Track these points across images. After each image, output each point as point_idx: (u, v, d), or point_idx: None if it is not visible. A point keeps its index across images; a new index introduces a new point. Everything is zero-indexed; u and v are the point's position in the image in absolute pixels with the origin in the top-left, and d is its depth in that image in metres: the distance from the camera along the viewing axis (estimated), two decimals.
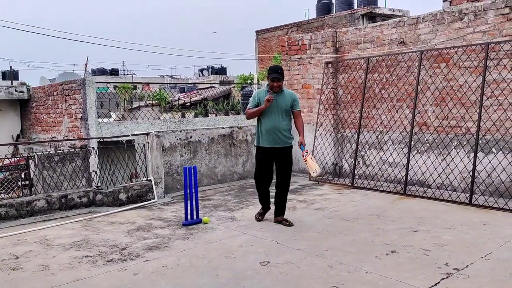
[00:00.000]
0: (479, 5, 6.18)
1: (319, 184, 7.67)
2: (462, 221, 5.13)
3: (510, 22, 5.88)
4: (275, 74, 5.03)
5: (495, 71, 6.04)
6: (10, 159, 7.23)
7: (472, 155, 6.16)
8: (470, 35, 6.30)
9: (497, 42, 5.96)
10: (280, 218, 5.25)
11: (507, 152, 5.96)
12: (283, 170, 5.22)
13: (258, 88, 11.73)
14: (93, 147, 7.33)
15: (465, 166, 6.34)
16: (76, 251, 4.48)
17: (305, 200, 6.50)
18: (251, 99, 5.26)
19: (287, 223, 5.17)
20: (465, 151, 6.40)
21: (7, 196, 6.41)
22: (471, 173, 6.05)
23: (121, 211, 6.07)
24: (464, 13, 6.34)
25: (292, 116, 5.27)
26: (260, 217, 5.43)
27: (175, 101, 12.83)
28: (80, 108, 8.23)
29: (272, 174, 5.30)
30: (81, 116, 8.15)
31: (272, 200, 5.42)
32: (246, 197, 6.77)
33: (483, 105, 6.08)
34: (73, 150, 7.42)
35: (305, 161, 5.15)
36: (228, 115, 12.97)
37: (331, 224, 5.20)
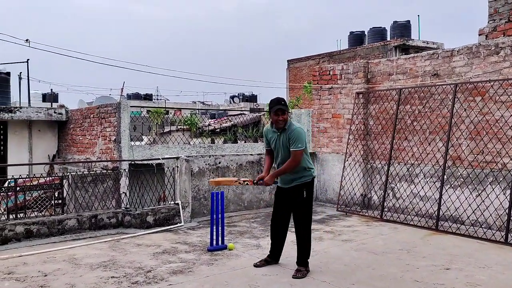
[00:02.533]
0: None
1: (347, 215, 7.53)
2: (497, 260, 4.90)
3: None
4: (279, 106, 4.44)
5: None
6: (45, 178, 7.48)
7: (508, 192, 5.93)
8: (506, 69, 6.17)
9: None
10: (297, 267, 4.50)
11: None
12: (295, 214, 4.57)
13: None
14: (124, 169, 7.50)
15: (501, 203, 6.09)
16: (102, 271, 4.54)
17: (332, 231, 6.38)
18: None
19: (295, 275, 4.38)
20: (501, 187, 6.16)
21: (40, 214, 6.60)
22: (507, 211, 5.80)
23: (148, 233, 6.13)
24: (501, 47, 6.24)
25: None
26: (259, 263, 4.71)
27: (205, 126, 13.06)
28: (114, 130, 8.49)
29: (287, 216, 4.73)
30: (115, 139, 8.39)
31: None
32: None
33: None
34: (105, 171, 7.62)
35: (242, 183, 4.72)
36: (257, 142, 13.03)
37: (359, 257, 5.07)
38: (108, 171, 7.68)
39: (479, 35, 6.85)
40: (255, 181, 4.67)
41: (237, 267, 4.69)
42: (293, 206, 4.57)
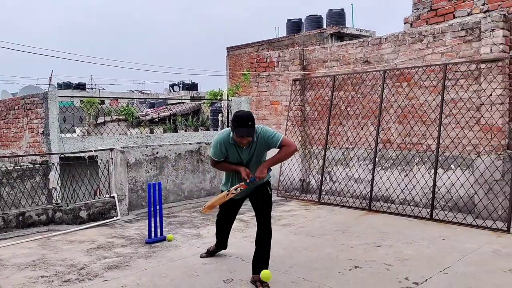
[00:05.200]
0: (438, 28, 6.45)
1: (286, 200, 7.69)
2: (423, 235, 5.24)
3: (466, 44, 6.15)
4: (245, 130, 3.59)
5: (452, 91, 6.28)
6: None
7: (432, 171, 6.34)
8: (429, 56, 6.54)
9: (454, 63, 6.22)
10: (257, 277, 3.83)
11: (464, 168, 6.17)
12: (262, 213, 4.00)
13: (227, 105, 11.73)
14: (53, 163, 7.10)
15: (426, 182, 6.51)
16: (31, 271, 4.29)
17: (272, 216, 6.44)
18: (212, 146, 3.94)
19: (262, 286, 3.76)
20: (426, 167, 6.58)
21: None
22: (431, 189, 6.22)
23: (81, 229, 5.88)
24: (424, 35, 6.59)
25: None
26: (205, 254, 4.59)
27: (143, 116, 12.69)
28: (41, 122, 8.00)
29: (235, 217, 4.47)
30: (43, 131, 7.91)
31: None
32: (213, 214, 6.65)
33: (442, 123, 6.29)
34: (32, 166, 7.17)
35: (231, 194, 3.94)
36: (198, 130, 12.90)
37: (297, 240, 5.20)
38: (36, 165, 7.23)
39: (404, 23, 7.19)
40: (248, 182, 3.84)
41: (176, 258, 4.64)
42: (258, 205, 4.00)
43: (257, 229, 3.99)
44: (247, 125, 3.59)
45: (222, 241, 4.62)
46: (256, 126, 3.75)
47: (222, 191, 4.11)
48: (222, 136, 3.86)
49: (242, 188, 3.88)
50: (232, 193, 3.93)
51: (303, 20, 23.00)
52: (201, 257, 4.62)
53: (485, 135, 5.89)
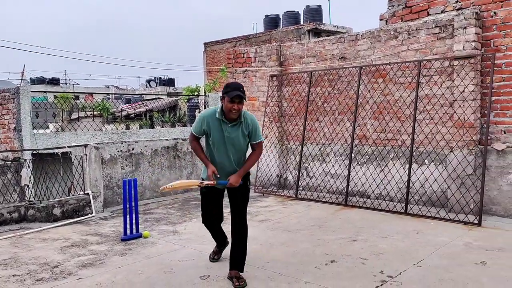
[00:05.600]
0: (412, 25, 6.56)
1: (264, 196, 7.70)
2: (398, 230, 5.34)
3: (440, 41, 6.28)
4: (237, 92, 3.62)
5: (426, 87, 6.40)
6: None
7: (407, 166, 6.46)
8: (404, 53, 6.65)
9: (428, 59, 6.34)
10: (234, 273, 3.85)
11: (438, 163, 6.31)
12: (237, 208, 3.93)
13: (204, 101, 11.66)
14: (25, 160, 6.91)
15: (401, 177, 6.63)
16: (2, 270, 4.18)
17: (249, 212, 6.41)
18: (196, 120, 3.95)
19: (238, 284, 3.72)
20: (401, 162, 6.70)
21: None
22: (406, 184, 6.34)
23: (55, 227, 5.75)
24: (399, 31, 6.69)
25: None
26: (216, 256, 4.38)
27: (119, 112, 12.49)
28: (13, 118, 7.78)
29: (222, 210, 4.26)
30: (15, 127, 7.70)
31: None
32: (189, 210, 6.65)
33: (417, 119, 6.41)
34: (3, 162, 6.97)
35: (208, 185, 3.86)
36: (175, 126, 12.80)
37: (274, 235, 5.22)
38: (8, 162, 7.03)
39: (380, 20, 7.28)
40: (220, 182, 3.83)
41: (152, 255, 4.59)
42: (235, 198, 3.92)
43: (232, 222, 3.92)
44: (239, 90, 3.66)
45: (220, 239, 4.37)
46: (248, 112, 3.90)
47: (203, 179, 4.01)
48: (209, 111, 3.88)
49: (210, 184, 3.86)
50: (199, 185, 3.91)
51: (280, 16, 23.03)
52: (212, 260, 4.34)
53: (457, 130, 6.03)
